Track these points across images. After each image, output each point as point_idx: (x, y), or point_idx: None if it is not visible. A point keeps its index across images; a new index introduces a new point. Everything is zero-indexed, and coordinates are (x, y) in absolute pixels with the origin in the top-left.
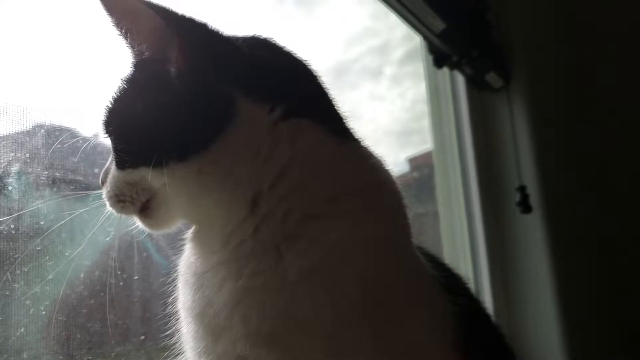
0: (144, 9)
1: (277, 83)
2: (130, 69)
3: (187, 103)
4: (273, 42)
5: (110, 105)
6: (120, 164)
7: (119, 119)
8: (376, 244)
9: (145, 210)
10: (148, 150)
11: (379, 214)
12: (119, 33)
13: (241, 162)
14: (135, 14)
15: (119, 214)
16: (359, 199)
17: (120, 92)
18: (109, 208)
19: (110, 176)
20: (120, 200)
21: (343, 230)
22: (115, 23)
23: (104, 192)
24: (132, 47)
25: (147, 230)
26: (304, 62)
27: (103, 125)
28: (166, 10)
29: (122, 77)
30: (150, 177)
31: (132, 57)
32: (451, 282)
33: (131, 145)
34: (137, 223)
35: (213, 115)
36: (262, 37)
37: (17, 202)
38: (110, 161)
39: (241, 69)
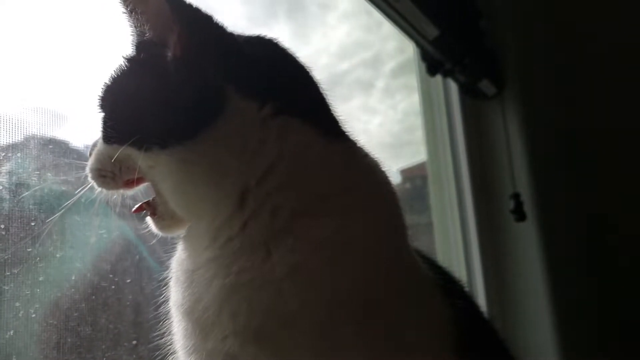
0: None
1: (271, 82)
2: (131, 49)
3: (177, 91)
4: (277, 43)
5: (107, 82)
6: (107, 138)
7: (112, 95)
8: (366, 242)
9: (155, 211)
10: (133, 131)
11: (370, 213)
12: (123, 10)
13: (228, 156)
14: None
15: (100, 189)
16: (349, 197)
17: (118, 71)
18: (89, 180)
19: (95, 149)
20: (102, 174)
21: (331, 228)
22: (122, 0)
23: (88, 164)
24: (135, 26)
25: (159, 233)
26: (304, 66)
27: (98, 100)
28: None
29: (124, 56)
30: (135, 157)
31: (133, 37)
32: (449, 285)
33: (119, 122)
34: (150, 226)
35: (201, 106)
36: (267, 38)
37: (7, 203)
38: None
39: (236, 64)
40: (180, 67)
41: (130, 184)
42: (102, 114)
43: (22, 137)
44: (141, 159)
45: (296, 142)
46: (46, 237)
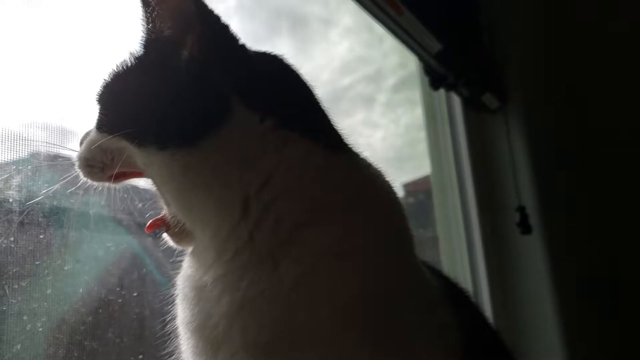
0: None
1: (275, 96)
2: (140, 46)
3: (186, 93)
4: (282, 59)
5: (109, 77)
6: (100, 126)
7: (113, 89)
8: (370, 250)
9: (169, 226)
10: (129, 123)
11: (373, 221)
12: (142, 4)
13: (228, 165)
14: None
15: (85, 179)
16: (351, 206)
17: (121, 66)
18: (76, 169)
19: (87, 139)
20: (89, 164)
21: (334, 237)
22: None
23: (77, 152)
24: (153, 22)
25: (177, 246)
26: (306, 83)
27: (97, 94)
28: (201, 1)
29: (130, 52)
30: (127, 151)
31: (144, 35)
32: (455, 294)
33: (116, 113)
34: (168, 242)
35: (207, 112)
36: (273, 54)
37: (17, 216)
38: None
39: (244, 75)
40: (194, 68)
41: (117, 178)
42: (100, 106)
43: (32, 152)
44: (137, 155)
45: (293, 155)
46: (55, 250)
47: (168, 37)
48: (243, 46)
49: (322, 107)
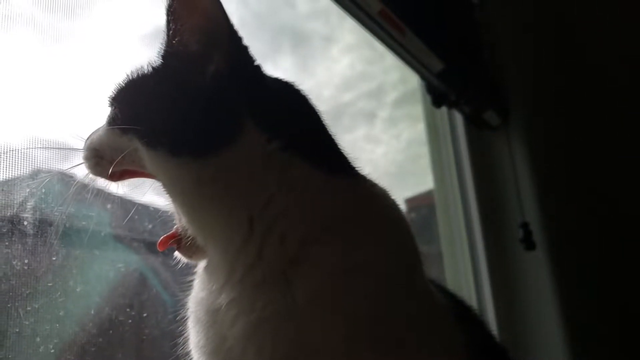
0: (215, 11)
1: (283, 119)
2: (160, 57)
3: (206, 102)
4: (293, 85)
5: (123, 82)
6: (113, 122)
7: (128, 93)
8: (376, 268)
9: (180, 243)
10: (141, 121)
11: (378, 239)
12: (169, 18)
13: (236, 181)
14: (203, 12)
15: (88, 171)
16: (353, 225)
17: (137, 72)
18: (82, 159)
19: (98, 132)
20: (99, 155)
21: (340, 256)
22: (171, 11)
23: (85, 144)
24: (180, 36)
25: (187, 261)
26: (314, 108)
27: (110, 96)
28: (230, 19)
29: (149, 61)
30: (137, 149)
31: (167, 47)
32: (462, 312)
33: (130, 111)
34: (178, 258)
35: (223, 127)
36: (285, 79)
37: (30, 238)
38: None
39: (258, 96)
40: (218, 84)
41: (120, 176)
42: (113, 106)
43: (44, 172)
44: (146, 158)
45: (295, 176)
46: (67, 272)
47: (195, 51)
48: (259, 67)
49: (328, 132)
